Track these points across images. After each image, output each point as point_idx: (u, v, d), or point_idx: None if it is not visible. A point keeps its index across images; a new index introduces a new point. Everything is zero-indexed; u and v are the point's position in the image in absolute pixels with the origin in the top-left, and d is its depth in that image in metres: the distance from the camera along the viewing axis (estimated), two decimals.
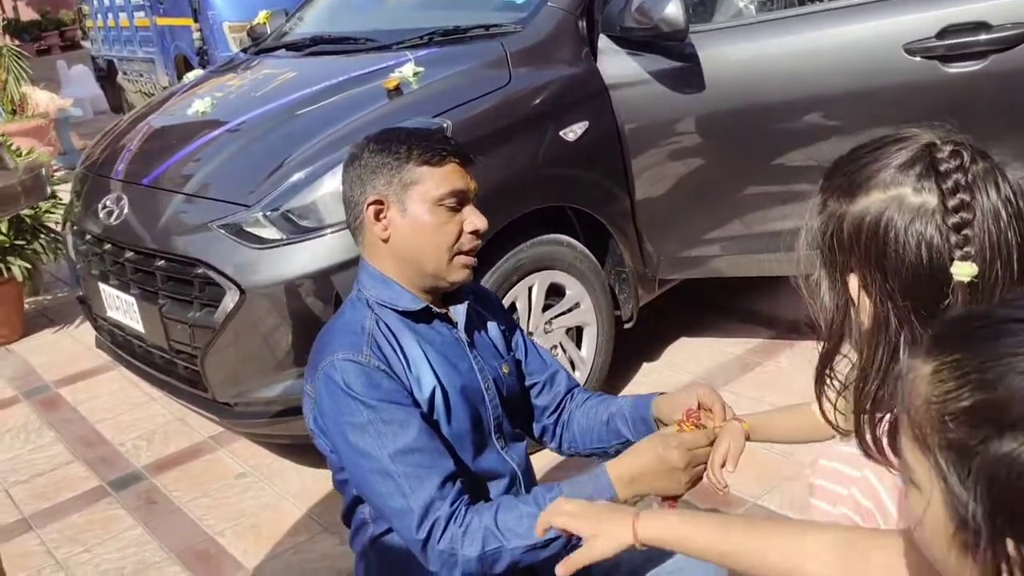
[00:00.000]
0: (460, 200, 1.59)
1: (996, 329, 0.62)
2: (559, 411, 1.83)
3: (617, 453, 1.77)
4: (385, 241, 1.60)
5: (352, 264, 2.51)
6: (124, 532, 2.87)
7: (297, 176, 2.64)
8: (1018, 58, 2.50)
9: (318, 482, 3.01)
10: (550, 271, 2.88)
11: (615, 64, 2.92)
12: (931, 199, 0.81)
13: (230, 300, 2.57)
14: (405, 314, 1.61)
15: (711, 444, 1.49)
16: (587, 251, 2.97)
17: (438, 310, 1.65)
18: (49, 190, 3.16)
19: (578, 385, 1.88)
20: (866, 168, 0.85)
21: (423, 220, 1.57)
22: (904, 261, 0.82)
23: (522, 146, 2.76)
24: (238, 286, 2.55)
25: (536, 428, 1.85)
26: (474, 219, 1.60)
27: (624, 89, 2.91)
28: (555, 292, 2.96)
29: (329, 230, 2.56)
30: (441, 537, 1.42)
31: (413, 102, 2.78)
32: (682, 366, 3.38)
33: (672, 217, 3.05)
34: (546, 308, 2.94)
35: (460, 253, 1.60)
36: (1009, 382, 0.58)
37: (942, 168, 0.79)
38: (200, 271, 2.63)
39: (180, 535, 2.81)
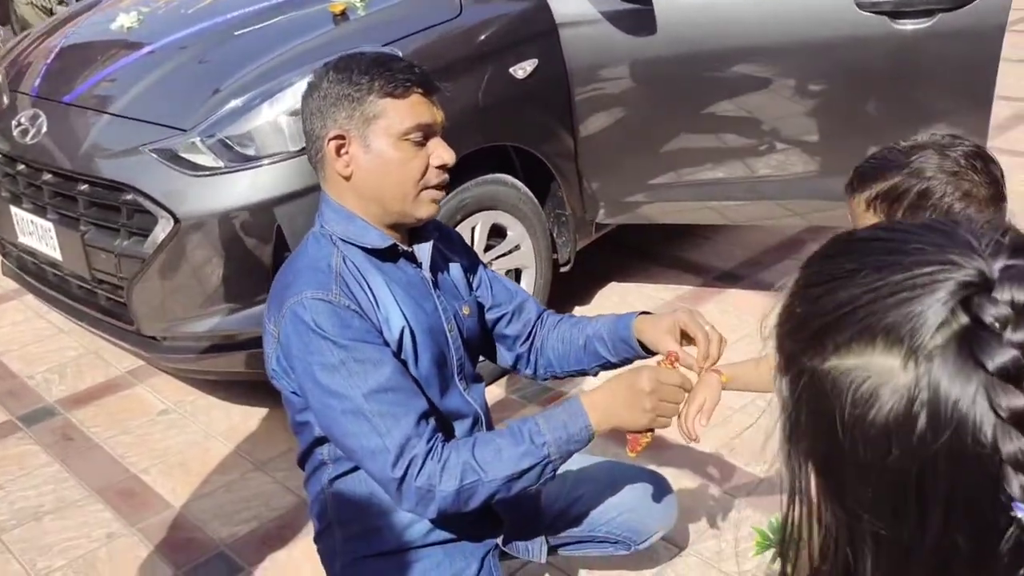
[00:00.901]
0: (426, 133, 1.53)
1: (851, 247, 0.60)
2: (531, 338, 1.82)
3: (596, 375, 1.78)
4: (347, 178, 1.54)
5: (295, 197, 2.44)
6: (39, 469, 2.74)
7: (235, 102, 2.50)
8: (963, 19, 2.56)
9: (247, 420, 2.93)
10: (493, 211, 2.84)
11: (566, 2, 2.85)
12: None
13: (162, 229, 2.44)
14: (371, 252, 1.56)
15: (684, 388, 1.48)
16: (530, 193, 2.94)
17: (404, 248, 1.60)
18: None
19: (546, 310, 1.86)
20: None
21: (387, 156, 1.50)
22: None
23: (472, 81, 2.68)
24: (172, 215, 2.42)
25: (509, 357, 1.84)
26: (441, 152, 1.54)
27: (574, 28, 2.85)
28: (496, 233, 2.93)
29: (269, 160, 2.45)
30: (419, 473, 1.40)
31: (360, 29, 2.66)
32: (613, 311, 3.38)
33: (615, 161, 3.04)
34: (486, 249, 2.91)
35: (427, 188, 1.54)
36: (826, 298, 0.57)
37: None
38: (129, 197, 2.48)
39: (101, 472, 2.70)
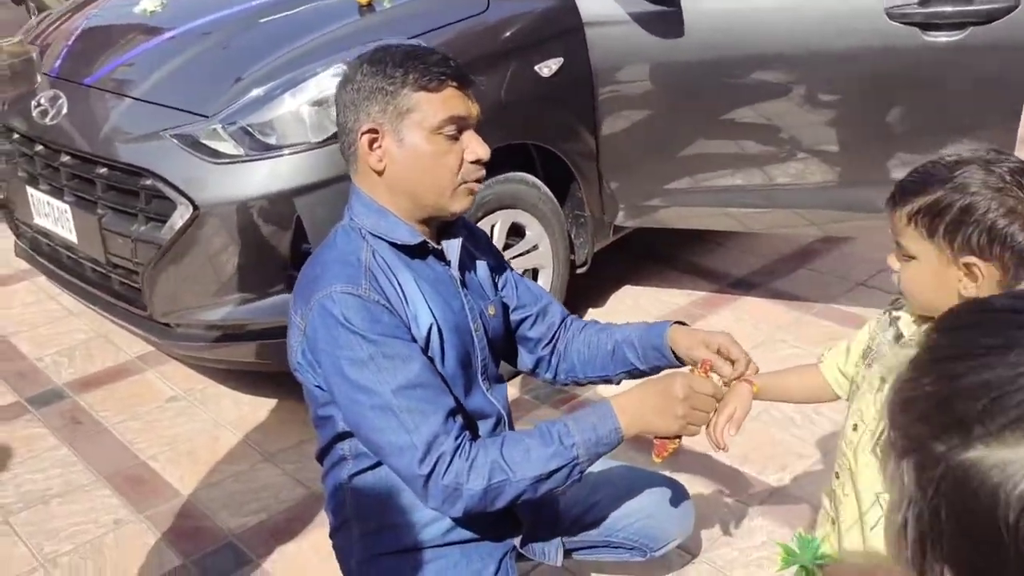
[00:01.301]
0: (460, 127, 1.50)
1: (987, 317, 0.54)
2: (554, 341, 1.80)
3: (619, 383, 1.76)
4: (380, 172, 1.52)
5: (316, 188, 2.43)
6: (47, 452, 2.72)
7: (257, 91, 2.48)
8: (995, 32, 2.54)
9: (256, 410, 2.91)
10: (513, 210, 2.82)
11: (593, 1, 2.83)
12: None
13: (180, 216, 2.43)
14: (400, 248, 1.54)
15: (716, 397, 1.48)
16: (550, 193, 2.92)
17: (434, 245, 1.58)
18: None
19: (571, 315, 1.84)
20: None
21: (421, 150, 1.48)
22: None
23: (497, 78, 2.66)
24: (191, 201, 2.40)
25: (530, 360, 1.82)
26: (476, 147, 1.52)
27: (601, 28, 2.83)
28: (514, 232, 2.91)
29: (290, 150, 2.43)
30: (447, 471, 1.39)
31: (385, 21, 2.64)
32: (627, 314, 3.39)
33: (636, 164, 3.02)
34: (504, 248, 2.89)
35: (465, 183, 1.52)
36: (970, 376, 0.50)
37: None
38: (148, 182, 2.46)
39: (109, 458, 2.69)
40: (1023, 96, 2.62)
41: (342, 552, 1.72)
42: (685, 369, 1.56)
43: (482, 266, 1.73)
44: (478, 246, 1.76)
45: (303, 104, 2.46)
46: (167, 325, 2.66)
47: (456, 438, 1.41)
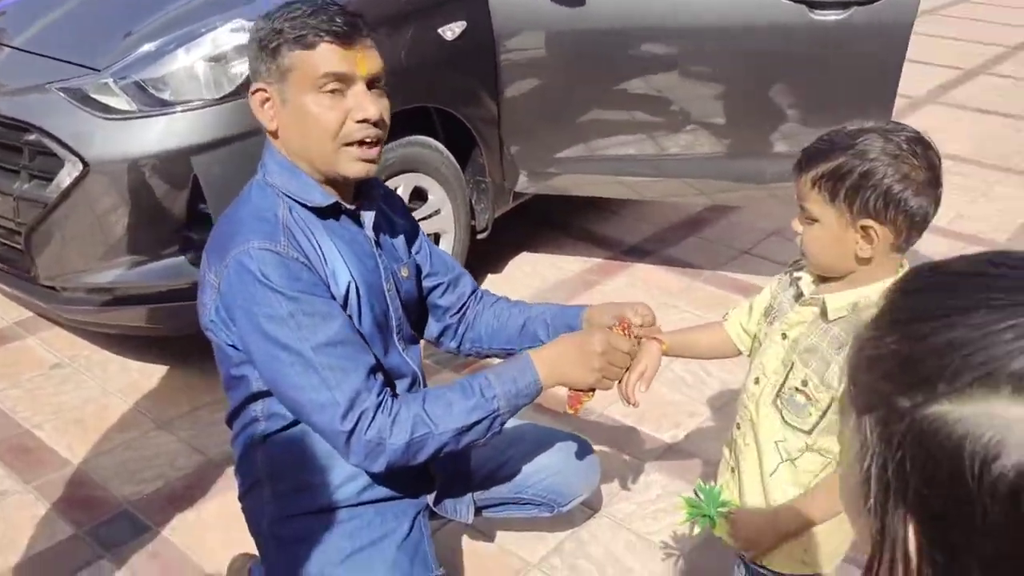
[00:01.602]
0: (344, 83, 1.44)
1: (947, 280, 0.57)
2: (463, 311, 1.82)
3: None
4: (274, 133, 1.50)
5: (214, 146, 2.36)
6: None
7: (148, 47, 2.39)
8: (875, 13, 2.68)
9: (146, 377, 2.82)
10: (415, 174, 2.81)
11: None
12: None
13: (68, 173, 2.32)
14: (312, 209, 1.52)
15: (631, 355, 1.54)
16: (452, 158, 2.92)
17: (347, 206, 1.56)
18: None
19: (483, 289, 1.87)
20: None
21: (303, 109, 1.44)
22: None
23: (400, 39, 2.63)
24: (80, 158, 2.29)
25: (436, 328, 1.83)
26: (364, 105, 1.44)
27: None
28: (416, 196, 2.90)
29: (185, 106, 2.35)
30: (369, 426, 1.40)
31: None
32: (525, 280, 3.44)
33: (537, 131, 3.05)
34: None
35: (349, 144, 1.46)
36: (933, 336, 0.53)
37: None
38: (32, 137, 2.34)
39: None
40: (899, 73, 2.78)
41: (252, 514, 1.70)
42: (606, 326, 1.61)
43: (397, 228, 1.73)
44: (394, 208, 1.75)
45: (198, 60, 2.38)
46: (52, 288, 2.54)
47: (378, 394, 1.42)
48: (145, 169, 2.34)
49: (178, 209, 2.40)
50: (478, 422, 1.44)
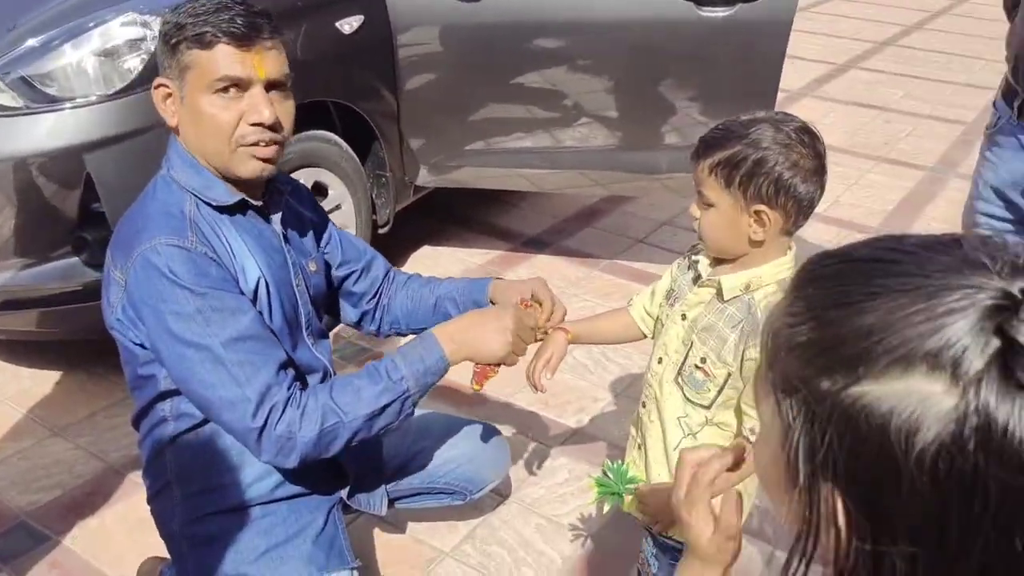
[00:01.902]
0: (240, 86, 1.43)
1: (854, 267, 0.61)
2: (378, 296, 1.85)
3: None
4: (176, 129, 1.49)
5: (108, 143, 2.29)
6: None
7: (32, 42, 2.30)
8: (758, 10, 2.80)
9: (39, 383, 2.73)
10: (315, 168, 2.80)
11: None
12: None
13: None
14: (217, 207, 1.51)
15: (535, 330, 1.60)
16: (352, 152, 2.92)
17: (253, 202, 1.55)
18: None
19: (393, 268, 1.89)
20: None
21: (198, 109, 1.43)
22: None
23: (298, 33, 2.62)
24: None
25: (354, 313, 1.85)
26: (259, 108, 1.42)
27: None
28: (317, 191, 2.88)
29: (76, 103, 2.28)
30: (279, 422, 1.40)
31: None
32: (427, 273, 3.44)
33: (437, 124, 3.07)
34: None
35: (243, 145, 1.45)
36: (848, 322, 0.57)
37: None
38: None
39: None
40: (781, 67, 2.92)
41: (162, 515, 1.68)
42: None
43: (305, 223, 1.73)
44: (302, 203, 1.75)
45: (87, 55, 2.30)
46: None
47: (287, 388, 1.42)
48: (33, 168, 2.26)
49: (70, 209, 2.32)
50: (388, 405, 1.46)
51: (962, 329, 0.53)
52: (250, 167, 1.47)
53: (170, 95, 1.46)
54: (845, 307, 0.58)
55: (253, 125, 1.44)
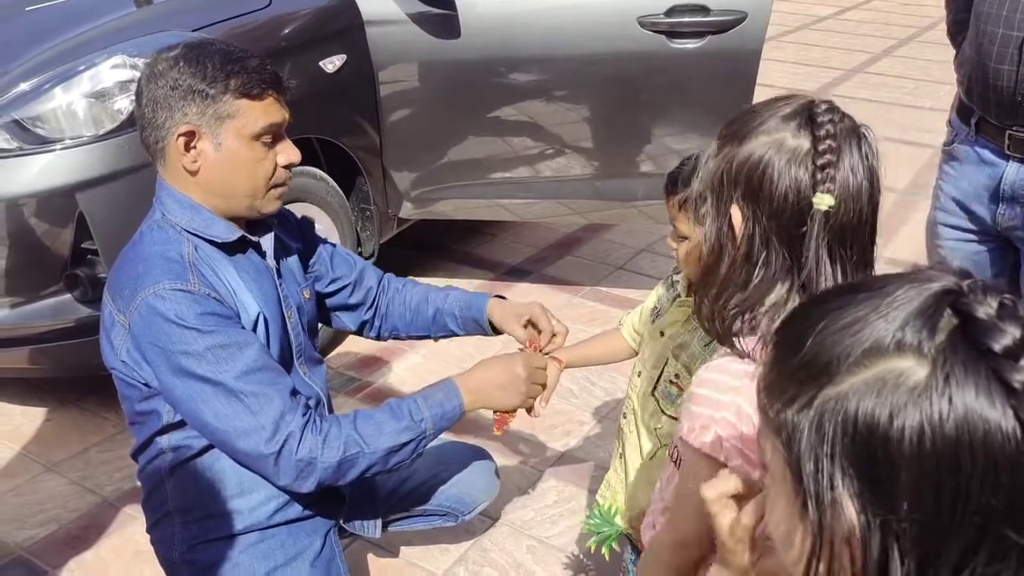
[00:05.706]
0: (275, 134, 1.55)
1: (813, 303, 0.69)
2: (375, 305, 1.92)
3: (437, 341, 1.96)
4: (194, 173, 1.53)
5: (99, 183, 2.35)
6: None
7: (23, 86, 2.37)
8: (728, 41, 2.91)
9: (30, 420, 2.76)
10: (301, 203, 2.86)
11: (372, 1, 2.93)
12: (805, 143, 0.97)
13: None
14: (218, 244, 1.57)
15: (544, 367, 1.68)
16: (337, 187, 2.99)
17: (251, 238, 1.62)
18: None
19: (386, 274, 1.97)
20: (755, 118, 1.01)
21: (240, 156, 1.51)
22: (777, 192, 0.98)
23: (284, 72, 2.65)
24: None
25: (353, 324, 1.94)
26: (289, 152, 1.58)
27: (380, 27, 2.93)
28: None
29: (67, 144, 2.33)
30: (299, 446, 1.45)
31: (165, 13, 2.59)
32: None
33: (419, 159, 3.15)
34: None
35: (276, 186, 1.57)
36: (816, 338, 0.64)
37: (818, 120, 0.97)
38: None
39: None
40: (752, 96, 3.02)
41: (162, 543, 1.71)
42: (513, 351, 1.74)
43: (293, 251, 1.79)
44: (288, 232, 1.81)
45: (77, 97, 2.36)
46: None
47: (303, 414, 1.48)
48: (24, 208, 2.32)
49: (62, 247, 2.37)
50: (406, 443, 1.53)
51: (918, 310, 0.60)
52: (275, 205, 1.60)
53: (191, 141, 1.49)
54: (810, 331, 0.65)
55: (284, 167, 1.57)
